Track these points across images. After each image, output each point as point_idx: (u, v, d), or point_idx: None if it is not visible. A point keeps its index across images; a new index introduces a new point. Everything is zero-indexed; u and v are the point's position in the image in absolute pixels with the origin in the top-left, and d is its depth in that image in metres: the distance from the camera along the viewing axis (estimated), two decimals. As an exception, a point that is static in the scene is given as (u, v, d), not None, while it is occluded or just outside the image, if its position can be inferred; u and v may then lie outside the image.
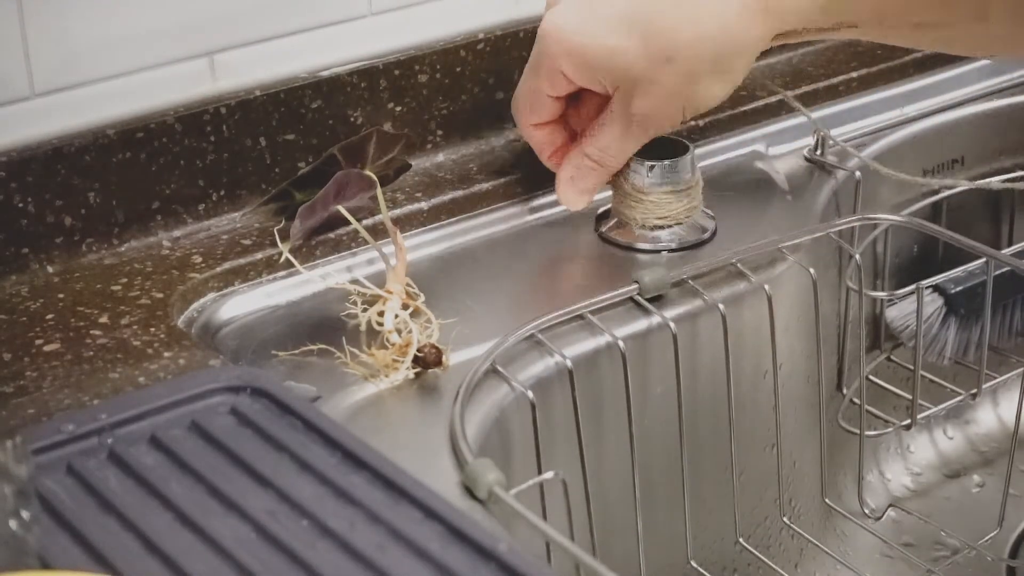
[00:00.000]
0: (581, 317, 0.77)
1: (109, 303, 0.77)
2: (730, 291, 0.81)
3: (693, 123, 0.93)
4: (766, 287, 0.81)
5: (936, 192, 0.98)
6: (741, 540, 0.84)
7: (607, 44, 0.76)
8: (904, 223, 0.88)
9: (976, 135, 1.01)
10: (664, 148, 0.83)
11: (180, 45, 0.83)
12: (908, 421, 0.90)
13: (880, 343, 0.96)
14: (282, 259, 0.81)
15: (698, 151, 0.88)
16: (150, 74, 0.82)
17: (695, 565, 0.82)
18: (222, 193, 0.85)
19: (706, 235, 0.85)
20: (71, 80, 0.80)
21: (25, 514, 0.51)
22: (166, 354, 0.73)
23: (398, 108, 0.90)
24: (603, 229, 0.85)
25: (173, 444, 0.62)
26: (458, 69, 0.91)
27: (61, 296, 0.78)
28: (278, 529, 0.56)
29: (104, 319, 0.76)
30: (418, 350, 0.71)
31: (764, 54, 0.79)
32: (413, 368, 0.71)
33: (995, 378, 0.92)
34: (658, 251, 0.83)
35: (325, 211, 0.81)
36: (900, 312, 0.93)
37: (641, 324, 0.78)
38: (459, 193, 0.87)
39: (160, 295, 0.78)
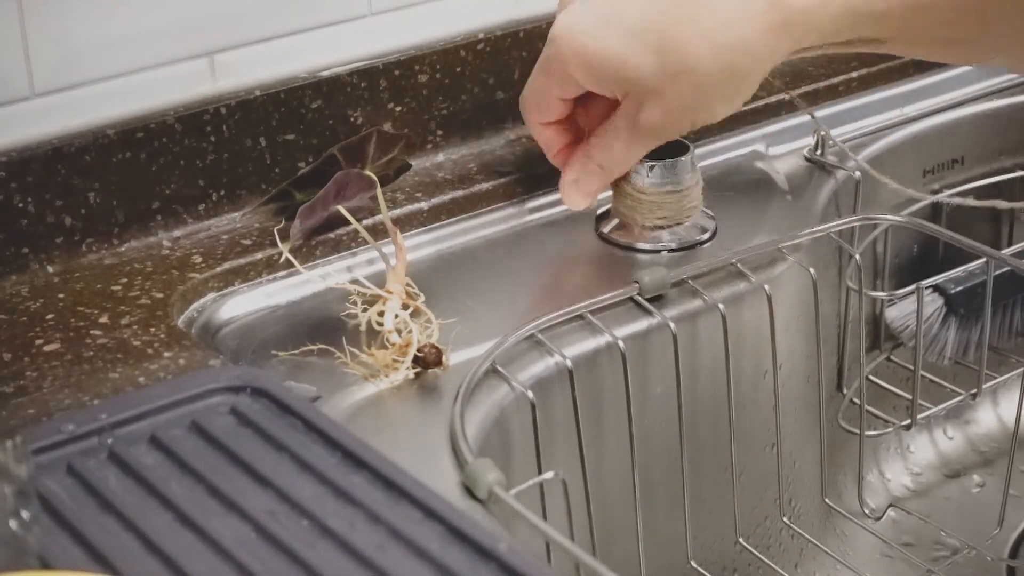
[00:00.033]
0: (581, 317, 0.77)
1: (109, 303, 0.77)
2: (730, 291, 0.81)
3: (693, 123, 0.93)
4: (766, 287, 0.81)
5: (936, 192, 0.99)
6: (741, 540, 0.84)
7: (620, 54, 0.75)
8: (904, 223, 0.88)
9: (976, 135, 1.01)
10: (664, 148, 0.83)
11: (180, 45, 0.83)
12: (908, 421, 0.90)
13: (880, 343, 0.96)
14: (282, 259, 0.81)
15: (698, 151, 0.88)
16: (150, 74, 0.82)
17: (695, 565, 0.82)
18: (222, 193, 0.85)
19: (706, 235, 0.85)
20: (71, 80, 0.80)
21: (25, 514, 0.51)
22: (166, 354, 0.73)
23: (398, 108, 0.90)
24: (603, 229, 0.85)
25: (173, 444, 0.62)
26: (458, 69, 0.91)
27: (61, 296, 0.78)
28: (278, 529, 0.56)
29: (104, 319, 0.76)
30: (418, 350, 0.71)
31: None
32: (413, 368, 0.71)
33: (995, 378, 0.92)
34: (658, 251, 0.83)
35: (325, 211, 0.81)
36: (900, 312, 0.93)
37: (641, 324, 0.78)
38: (459, 193, 0.87)
39: (160, 295, 0.78)
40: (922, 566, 0.90)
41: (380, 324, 0.73)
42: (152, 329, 0.75)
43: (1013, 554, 0.94)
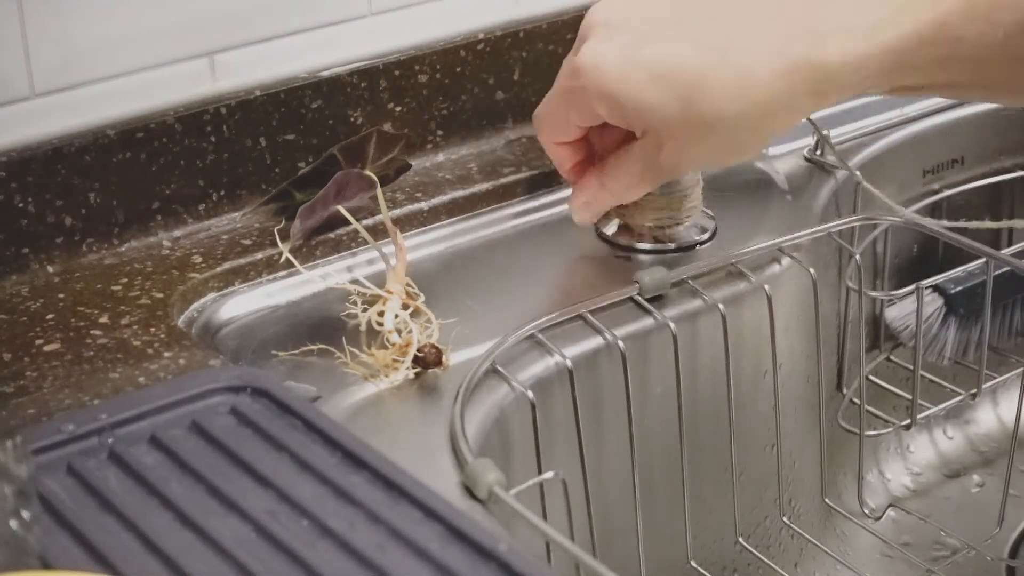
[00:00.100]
0: (581, 317, 0.77)
1: (109, 303, 0.77)
2: (730, 291, 0.81)
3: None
4: (766, 287, 0.81)
5: (936, 192, 0.99)
6: (741, 540, 0.84)
7: (644, 96, 0.73)
8: (904, 223, 0.88)
9: (976, 135, 1.01)
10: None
11: (180, 45, 0.83)
12: (908, 421, 0.90)
13: (880, 343, 0.96)
14: (282, 259, 0.81)
15: (698, 151, 0.88)
16: (150, 74, 0.83)
17: (695, 565, 0.82)
18: (222, 193, 0.85)
19: (706, 235, 0.85)
20: (71, 80, 0.80)
21: (25, 514, 0.51)
22: (166, 354, 0.73)
23: (398, 108, 0.90)
24: (603, 229, 0.85)
25: (173, 444, 0.62)
26: (458, 69, 0.91)
27: (61, 296, 0.78)
28: (278, 529, 0.56)
29: (104, 319, 0.76)
30: (418, 350, 0.71)
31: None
32: (413, 368, 0.71)
33: (995, 378, 0.92)
34: (658, 251, 0.83)
35: (325, 211, 0.81)
36: (900, 312, 0.93)
37: (641, 324, 0.78)
38: (459, 193, 0.87)
39: (160, 295, 0.78)
40: (922, 566, 0.90)
41: (380, 324, 0.73)
42: (152, 329, 0.75)
43: (1013, 554, 0.94)
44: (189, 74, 0.84)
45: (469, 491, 0.64)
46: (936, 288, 0.92)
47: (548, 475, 0.69)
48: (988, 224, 0.87)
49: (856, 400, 0.90)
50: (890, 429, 0.92)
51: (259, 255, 0.81)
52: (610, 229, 0.85)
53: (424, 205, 0.86)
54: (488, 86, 0.93)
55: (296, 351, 0.74)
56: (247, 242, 0.82)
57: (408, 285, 0.76)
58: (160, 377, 0.71)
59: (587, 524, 0.75)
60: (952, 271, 0.92)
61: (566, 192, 0.88)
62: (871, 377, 0.93)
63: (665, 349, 0.78)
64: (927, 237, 0.96)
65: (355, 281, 0.77)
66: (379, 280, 0.76)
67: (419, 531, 0.56)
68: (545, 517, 0.70)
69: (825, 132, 0.93)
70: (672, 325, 0.77)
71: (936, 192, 0.99)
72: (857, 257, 0.85)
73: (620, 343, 0.75)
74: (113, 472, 0.60)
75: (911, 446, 1.01)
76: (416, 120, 0.90)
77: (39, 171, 0.79)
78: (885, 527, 0.94)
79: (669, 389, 0.78)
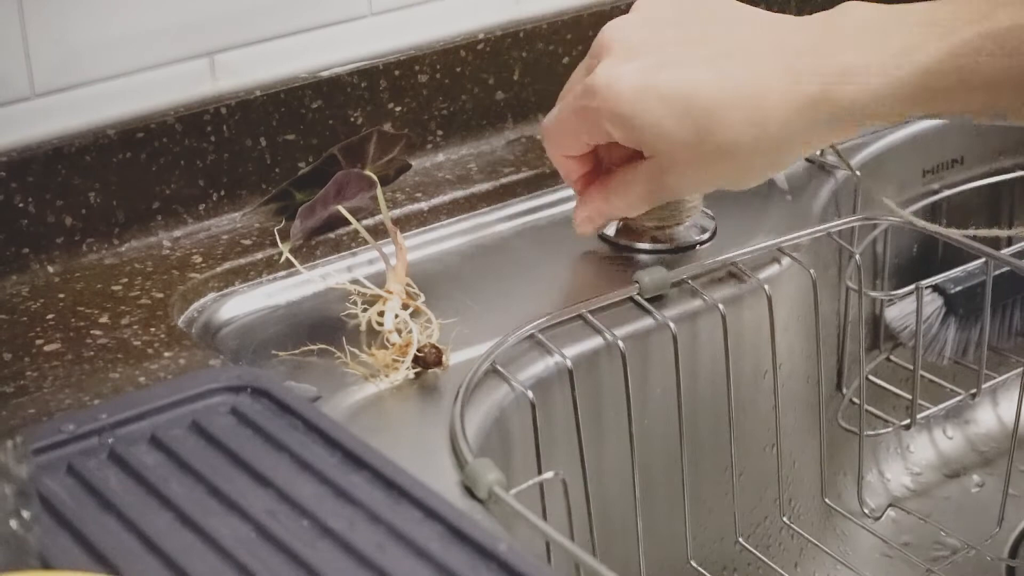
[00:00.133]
0: (581, 317, 0.77)
1: (109, 303, 0.77)
2: (730, 291, 0.81)
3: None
4: (766, 287, 0.81)
5: (936, 192, 0.99)
6: (741, 540, 0.84)
7: (660, 123, 0.73)
8: (904, 223, 0.88)
9: (976, 135, 1.01)
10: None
11: (180, 45, 0.83)
12: (908, 421, 0.90)
13: (880, 343, 0.96)
14: (282, 259, 0.81)
15: (698, 151, 0.88)
16: (150, 74, 0.83)
17: (695, 565, 0.82)
18: (222, 193, 0.85)
19: (706, 235, 0.85)
20: (71, 80, 0.80)
21: (26, 514, 0.51)
22: (166, 354, 0.73)
23: (398, 108, 0.90)
24: (603, 229, 0.85)
25: (173, 444, 0.62)
26: (458, 69, 0.91)
27: (61, 296, 0.78)
28: (278, 529, 0.56)
29: (104, 319, 0.76)
30: (418, 350, 0.71)
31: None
32: (413, 368, 0.71)
33: (995, 378, 0.92)
34: (658, 251, 0.83)
35: (325, 211, 0.81)
36: (900, 312, 0.93)
37: (641, 324, 0.78)
38: (459, 193, 0.87)
39: (160, 295, 0.78)
40: (922, 566, 0.90)
41: (380, 324, 0.73)
42: (152, 329, 0.75)
43: (1013, 554, 0.94)
44: (189, 74, 0.84)
45: (469, 491, 0.64)
46: (936, 288, 0.92)
47: (548, 475, 0.69)
48: (989, 232, 0.86)
49: (856, 400, 0.90)
50: (890, 429, 0.92)
51: (259, 255, 0.81)
52: (610, 229, 0.85)
53: (424, 205, 0.86)
54: (488, 86, 0.93)
55: (296, 351, 0.74)
56: (247, 242, 0.83)
57: (408, 285, 0.76)
58: (160, 377, 0.71)
59: (587, 524, 0.75)
60: (952, 271, 0.92)
61: (566, 192, 0.88)
62: (871, 377, 0.93)
63: (665, 349, 0.78)
64: (927, 237, 0.96)
65: (355, 281, 0.77)
66: (379, 280, 0.76)
67: (419, 531, 0.56)
68: (545, 517, 0.70)
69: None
70: (672, 325, 0.77)
71: (936, 192, 0.98)
72: (857, 257, 0.85)
73: (620, 343, 0.75)
74: (113, 472, 0.60)
75: (911, 446, 1.01)
76: (416, 120, 0.90)
77: (39, 171, 0.79)
78: (885, 527, 0.94)
79: (669, 389, 0.78)
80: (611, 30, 0.76)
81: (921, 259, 0.99)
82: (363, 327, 0.75)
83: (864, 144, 0.96)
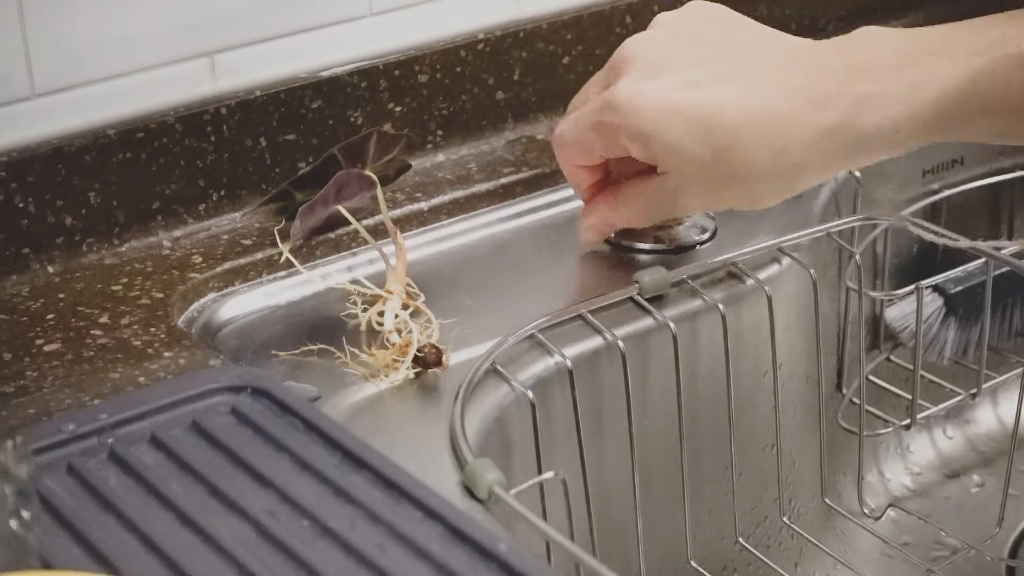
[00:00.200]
0: (581, 317, 0.77)
1: (109, 303, 0.77)
2: (730, 291, 0.81)
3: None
4: (766, 287, 0.81)
5: (936, 192, 0.99)
6: (741, 540, 0.84)
7: (680, 143, 0.73)
8: (904, 223, 0.88)
9: (976, 135, 1.01)
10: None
11: (180, 45, 0.83)
12: (908, 421, 0.90)
13: (880, 343, 0.96)
14: (282, 259, 0.81)
15: (698, 151, 0.88)
16: (150, 74, 0.83)
17: (695, 565, 0.82)
18: (222, 193, 0.85)
19: (706, 235, 0.85)
20: (71, 80, 0.80)
21: (25, 514, 0.51)
22: (166, 354, 0.73)
23: (398, 108, 0.90)
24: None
25: (173, 444, 0.62)
26: (458, 69, 0.91)
27: (61, 296, 0.78)
28: (278, 529, 0.56)
29: (104, 319, 0.76)
30: (418, 350, 0.71)
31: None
32: (413, 368, 0.71)
33: (995, 378, 0.92)
34: (658, 251, 0.83)
35: (325, 211, 0.81)
36: (900, 312, 0.93)
37: (641, 324, 0.78)
38: (459, 193, 0.87)
39: (160, 295, 0.78)
40: (922, 566, 0.90)
41: (380, 324, 0.73)
42: (152, 329, 0.75)
43: (1013, 554, 0.94)
44: (189, 74, 0.84)
45: (469, 491, 0.64)
46: (936, 288, 0.92)
47: (548, 475, 0.69)
48: (982, 245, 0.86)
49: (856, 400, 0.90)
50: (890, 429, 0.92)
51: (259, 255, 0.81)
52: (610, 229, 0.85)
53: (424, 205, 0.86)
54: (488, 86, 0.93)
55: (296, 351, 0.74)
56: (247, 242, 0.83)
57: (408, 285, 0.76)
58: (160, 377, 0.71)
59: (587, 524, 0.75)
60: (952, 271, 0.92)
61: (566, 192, 0.88)
62: (871, 377, 0.93)
63: (665, 349, 0.78)
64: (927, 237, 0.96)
65: (355, 281, 0.77)
66: (379, 280, 0.76)
67: (419, 531, 0.56)
68: (545, 517, 0.70)
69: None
70: (672, 325, 0.77)
71: (936, 192, 0.98)
72: (857, 257, 0.85)
73: (620, 343, 0.75)
74: (113, 472, 0.60)
75: (911, 446, 1.01)
76: (416, 120, 0.90)
77: (39, 171, 0.79)
78: (885, 527, 0.94)
79: (669, 389, 0.78)
80: (633, 45, 0.75)
81: (921, 259, 0.99)
82: (363, 327, 0.75)
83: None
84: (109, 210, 0.81)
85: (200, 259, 0.81)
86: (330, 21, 0.87)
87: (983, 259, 0.86)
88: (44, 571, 0.52)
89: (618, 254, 0.84)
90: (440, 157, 0.92)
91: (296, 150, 0.86)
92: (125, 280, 0.79)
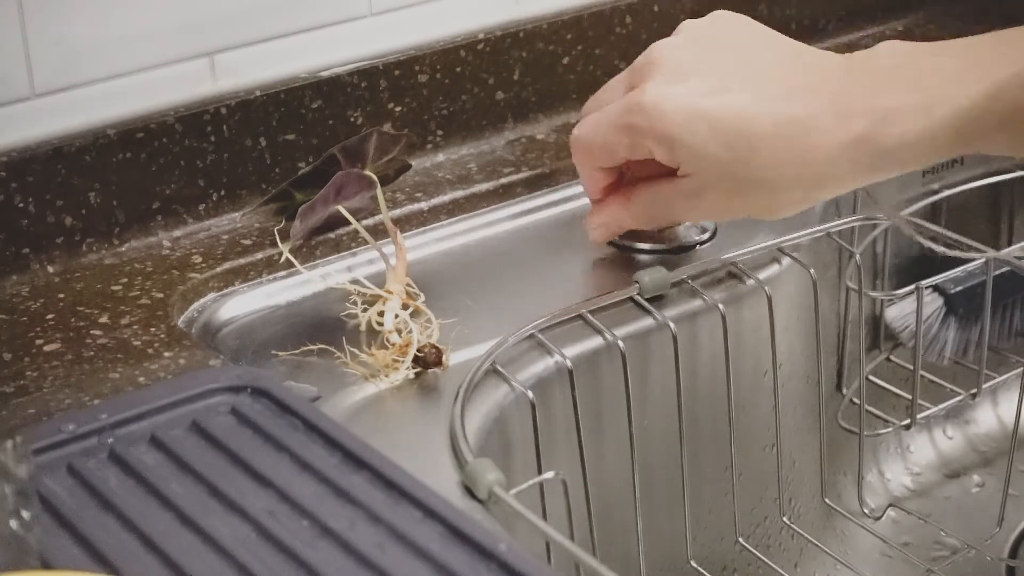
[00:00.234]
0: (581, 317, 0.77)
1: (109, 303, 0.77)
2: (730, 291, 0.81)
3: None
4: (766, 287, 0.81)
5: (936, 192, 0.99)
6: (741, 540, 0.84)
7: (705, 148, 0.72)
8: (904, 223, 0.88)
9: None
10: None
11: (180, 45, 0.83)
12: (908, 421, 0.90)
13: (880, 343, 0.96)
14: (282, 259, 0.81)
15: (698, 151, 0.88)
16: (150, 74, 0.83)
17: (695, 565, 0.82)
18: (222, 193, 0.85)
19: (706, 235, 0.85)
20: (71, 80, 0.80)
21: (25, 514, 0.51)
22: (166, 354, 0.73)
23: (398, 108, 0.90)
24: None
25: (173, 444, 0.62)
26: (458, 69, 0.91)
27: (61, 296, 0.78)
28: (278, 529, 0.56)
29: (104, 319, 0.76)
30: (418, 350, 0.71)
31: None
32: (413, 368, 0.71)
33: (995, 378, 0.92)
34: (658, 251, 0.83)
35: (325, 211, 0.81)
36: (900, 312, 0.93)
37: (641, 324, 0.78)
38: (459, 193, 0.87)
39: (160, 295, 0.78)
40: (922, 566, 0.90)
41: (380, 324, 0.73)
42: (152, 329, 0.75)
43: (1013, 554, 0.94)
44: (189, 74, 0.84)
45: (469, 491, 0.64)
46: (936, 288, 0.92)
47: (548, 475, 0.69)
48: (973, 253, 0.86)
49: (856, 400, 0.90)
50: (890, 429, 0.92)
51: (259, 255, 0.81)
52: (610, 229, 0.85)
53: (424, 205, 0.86)
54: (488, 86, 0.93)
55: (296, 351, 0.74)
56: (247, 242, 0.83)
57: (408, 285, 0.76)
58: (160, 377, 0.71)
59: (587, 524, 0.75)
60: (952, 271, 0.92)
61: (566, 192, 0.88)
62: (871, 377, 0.93)
63: (665, 349, 0.78)
64: (927, 237, 0.96)
65: (355, 281, 0.77)
66: (379, 280, 0.76)
67: (419, 531, 0.56)
68: (545, 517, 0.70)
69: None
70: (672, 325, 0.77)
71: (936, 192, 0.98)
72: (857, 257, 0.85)
73: (620, 343, 0.75)
74: (113, 472, 0.60)
75: (911, 446, 1.01)
76: (416, 120, 0.90)
77: (39, 171, 0.79)
78: (885, 527, 0.94)
79: (669, 389, 0.78)
80: (660, 49, 0.75)
81: (921, 259, 0.99)
82: (363, 327, 0.75)
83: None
84: (109, 210, 0.81)
85: (200, 259, 0.81)
86: (330, 21, 0.87)
87: (983, 259, 0.86)
88: (44, 571, 0.52)
89: (618, 254, 0.84)
90: (440, 157, 0.92)
91: (296, 150, 0.86)
92: (125, 280, 0.79)
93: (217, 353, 0.74)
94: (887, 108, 0.70)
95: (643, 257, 0.83)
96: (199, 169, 0.84)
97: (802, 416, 0.88)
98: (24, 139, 0.79)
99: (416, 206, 0.86)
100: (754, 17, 0.77)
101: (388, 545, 0.55)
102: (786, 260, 0.83)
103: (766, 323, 0.82)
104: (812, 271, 0.83)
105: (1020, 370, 0.92)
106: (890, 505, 0.96)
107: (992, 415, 1.03)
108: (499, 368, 0.73)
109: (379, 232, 0.81)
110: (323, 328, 0.76)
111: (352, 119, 0.88)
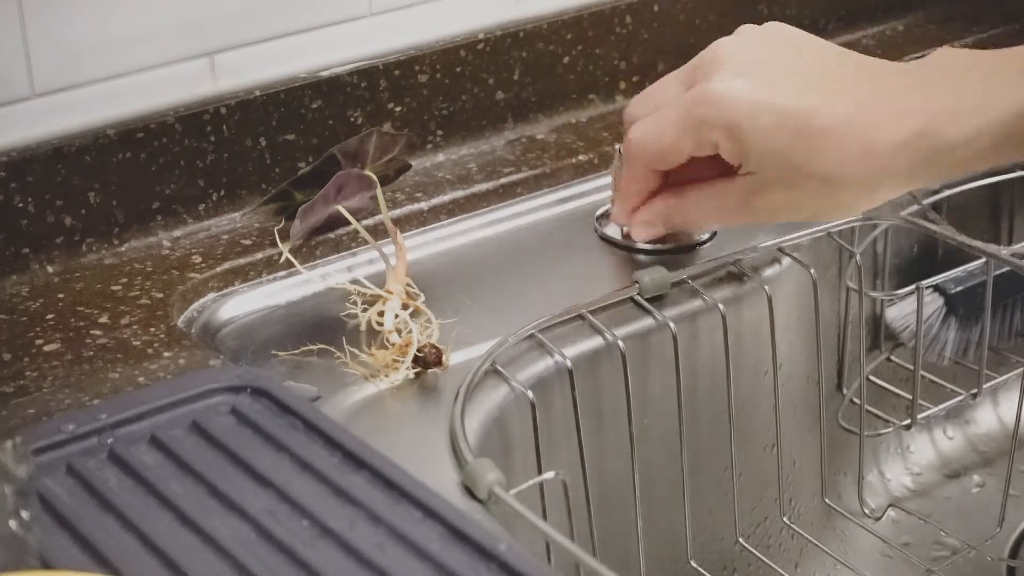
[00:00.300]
0: (581, 317, 0.77)
1: (109, 303, 0.77)
2: (730, 291, 0.81)
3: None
4: (766, 287, 0.81)
5: (936, 191, 0.98)
6: (741, 540, 0.84)
7: (771, 141, 0.72)
8: (904, 223, 0.88)
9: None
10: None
11: (180, 45, 0.83)
12: (908, 421, 0.90)
13: (880, 343, 0.96)
14: (282, 259, 0.81)
15: (698, 151, 0.88)
16: (150, 74, 0.83)
17: (695, 565, 0.82)
18: (222, 193, 0.85)
19: (706, 235, 0.85)
20: (71, 80, 0.80)
21: (25, 514, 0.51)
22: (166, 354, 0.73)
23: (398, 108, 0.90)
24: (603, 229, 0.85)
25: (173, 444, 0.62)
26: (458, 69, 0.91)
27: (61, 296, 0.78)
28: (278, 529, 0.56)
29: (104, 319, 0.76)
30: (418, 350, 0.71)
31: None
32: (413, 368, 0.71)
33: (995, 378, 0.92)
34: (658, 251, 0.83)
35: (325, 211, 0.81)
36: (900, 312, 0.93)
37: (641, 324, 0.78)
38: (459, 193, 0.87)
39: (160, 295, 0.78)
40: (922, 566, 0.90)
41: (380, 324, 0.73)
42: (152, 329, 0.75)
43: (1013, 554, 0.94)
44: (189, 74, 0.84)
45: (469, 491, 0.64)
46: (936, 288, 0.92)
47: (548, 475, 0.69)
48: (977, 245, 0.86)
49: (856, 400, 0.90)
50: (890, 429, 0.92)
51: (259, 255, 0.81)
52: (611, 229, 0.85)
53: (424, 205, 0.86)
54: (488, 86, 0.93)
55: (296, 351, 0.74)
56: (247, 242, 0.83)
57: (408, 285, 0.76)
58: (160, 377, 0.71)
59: (587, 524, 0.75)
60: (952, 271, 0.92)
61: (566, 192, 0.89)
62: (871, 377, 0.93)
63: (665, 349, 0.78)
64: (927, 237, 0.96)
65: (355, 281, 0.77)
66: (379, 280, 0.76)
67: (419, 531, 0.56)
68: (545, 517, 0.70)
69: None
70: (672, 325, 0.77)
71: (936, 192, 0.98)
72: (857, 257, 0.85)
73: (620, 343, 0.75)
74: (113, 472, 0.60)
75: (911, 446, 1.01)
76: (416, 120, 0.90)
77: (39, 171, 0.79)
78: (885, 527, 0.94)
79: (669, 389, 0.78)
80: (723, 46, 0.75)
81: (921, 259, 0.99)
82: (363, 327, 0.75)
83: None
84: (109, 210, 0.81)
85: (200, 259, 0.81)
86: (330, 21, 0.87)
87: (983, 259, 0.86)
88: (44, 571, 0.52)
89: (618, 254, 0.84)
90: (440, 157, 0.92)
91: (296, 150, 0.86)
92: (125, 280, 0.79)
93: (217, 353, 0.74)
94: (943, 107, 0.71)
95: (643, 257, 0.83)
96: (199, 169, 0.84)
97: (802, 416, 0.88)
98: (24, 139, 0.79)
99: (416, 206, 0.86)
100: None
101: (388, 545, 0.55)
102: (786, 260, 0.83)
103: (766, 323, 0.82)
104: (812, 271, 0.83)
105: (1020, 370, 0.93)
106: (890, 505, 0.96)
107: (992, 415, 1.03)
108: (499, 368, 0.73)
109: (379, 232, 0.81)
110: (323, 328, 0.76)
111: (352, 119, 0.88)
